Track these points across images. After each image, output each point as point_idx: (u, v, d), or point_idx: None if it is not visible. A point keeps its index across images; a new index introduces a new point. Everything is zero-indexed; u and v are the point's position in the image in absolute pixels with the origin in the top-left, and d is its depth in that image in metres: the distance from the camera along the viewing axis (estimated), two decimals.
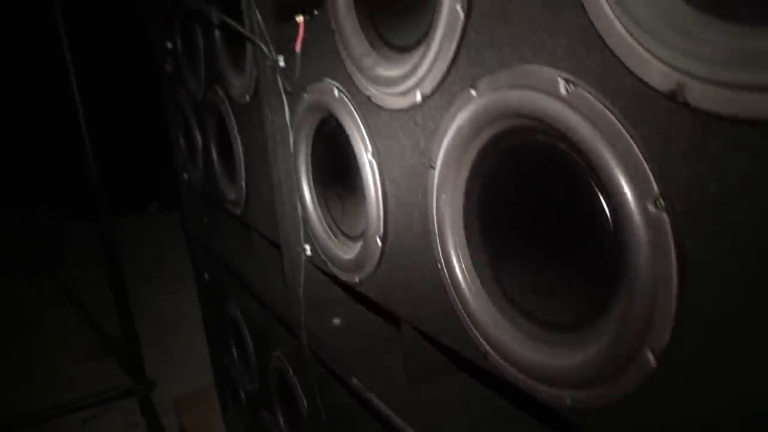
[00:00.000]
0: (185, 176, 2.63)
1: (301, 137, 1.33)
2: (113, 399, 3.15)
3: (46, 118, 6.48)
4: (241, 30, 1.31)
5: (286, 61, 1.34)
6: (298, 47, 1.23)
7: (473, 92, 0.78)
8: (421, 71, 0.87)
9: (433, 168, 0.89)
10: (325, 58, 1.15)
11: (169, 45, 2.32)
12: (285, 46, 1.32)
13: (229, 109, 1.76)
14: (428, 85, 0.87)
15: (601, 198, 0.65)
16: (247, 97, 1.59)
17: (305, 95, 1.26)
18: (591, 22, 0.59)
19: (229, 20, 1.27)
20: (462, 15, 0.77)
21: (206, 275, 2.70)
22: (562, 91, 0.65)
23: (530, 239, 0.78)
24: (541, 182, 0.75)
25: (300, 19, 1.20)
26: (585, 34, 0.61)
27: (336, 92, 1.13)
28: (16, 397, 3.41)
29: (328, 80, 1.16)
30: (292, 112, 1.36)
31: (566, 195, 0.71)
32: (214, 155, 2.06)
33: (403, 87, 0.92)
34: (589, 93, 0.62)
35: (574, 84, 0.64)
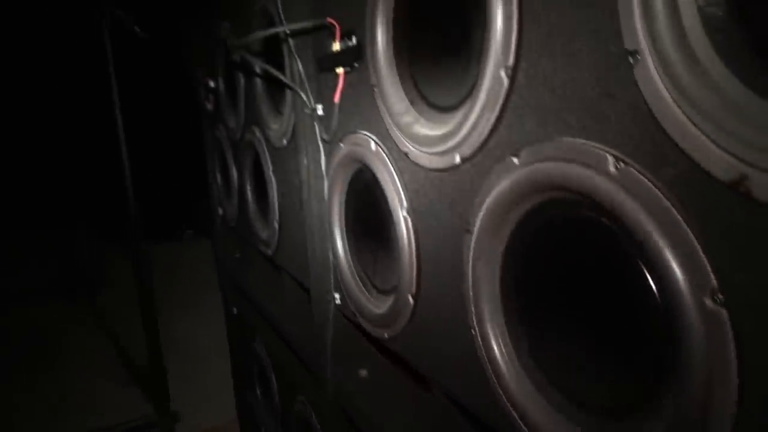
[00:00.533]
0: (220, 211, 2.65)
1: (335, 186, 1.32)
2: (137, 430, 3.14)
3: (90, 142, 6.70)
4: (282, 78, 1.32)
5: (324, 110, 1.34)
6: (336, 98, 1.23)
7: (515, 160, 0.75)
8: (461, 134, 0.85)
9: (470, 233, 0.86)
10: (364, 110, 1.15)
11: (212, 84, 2.37)
12: (324, 96, 1.32)
13: (266, 151, 1.77)
14: (468, 148, 0.84)
15: (652, 283, 0.61)
16: (284, 141, 1.60)
17: (342, 145, 1.26)
18: (645, 101, 0.56)
19: (271, 69, 1.28)
20: (506, 81, 0.75)
21: (235, 310, 2.70)
22: (611, 168, 0.62)
23: (571, 316, 0.74)
24: (585, 258, 0.71)
25: (340, 71, 1.20)
26: (637, 113, 0.58)
27: (373, 145, 1.12)
28: (40, 421, 3.44)
29: (366, 133, 1.15)
30: (328, 160, 1.35)
31: (612, 274, 0.67)
32: (249, 194, 2.07)
33: (442, 147, 0.90)
34: (641, 173, 0.59)
35: (624, 162, 0.60)
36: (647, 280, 0.62)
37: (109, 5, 3.09)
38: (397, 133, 1.02)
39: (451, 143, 0.88)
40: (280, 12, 1.31)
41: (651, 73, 0.55)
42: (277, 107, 1.70)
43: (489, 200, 0.81)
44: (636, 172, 0.59)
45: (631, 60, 0.57)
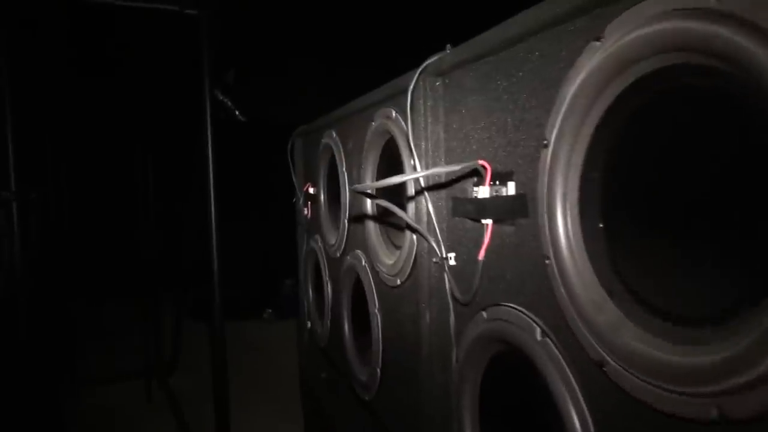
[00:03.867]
0: (309, 324, 2.42)
1: (469, 364, 1.03)
2: None
3: (183, 218, 6.84)
4: (409, 220, 1.07)
5: (458, 260, 1.08)
6: (481, 254, 0.96)
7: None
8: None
9: None
10: (524, 282, 0.87)
11: (312, 191, 2.20)
12: (459, 243, 1.06)
13: (373, 286, 1.52)
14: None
15: None
16: (398, 281, 1.34)
17: (483, 314, 0.97)
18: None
19: (394, 208, 1.04)
20: None
21: None
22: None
23: None
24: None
25: (488, 222, 0.94)
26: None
27: (538, 334, 0.82)
28: None
29: (525, 312, 0.86)
30: (459, 324, 1.07)
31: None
32: (346, 322, 1.81)
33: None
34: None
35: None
36: None
37: (214, 88, 3.05)
38: (586, 332, 0.72)
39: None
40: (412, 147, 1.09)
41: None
42: (390, 239, 1.46)
43: None
44: None
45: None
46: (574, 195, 0.74)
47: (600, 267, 0.72)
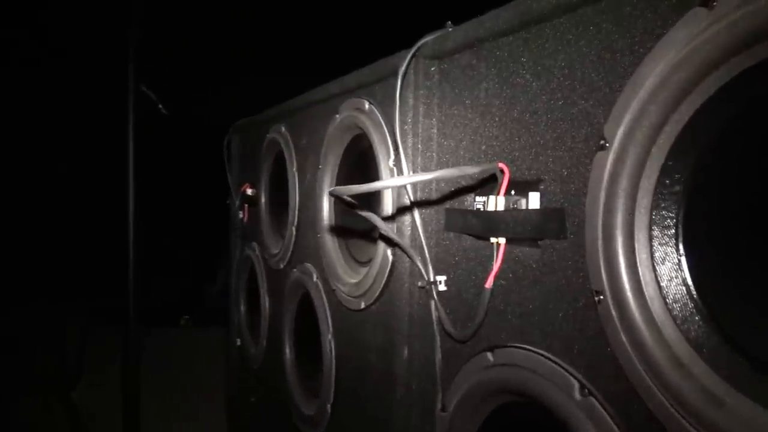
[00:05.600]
0: (238, 342, 2.14)
1: (463, 415, 0.83)
2: None
3: (97, 211, 6.28)
4: (390, 233, 0.86)
5: (449, 287, 0.88)
6: (489, 281, 0.76)
7: None
8: None
9: None
10: (558, 322, 0.68)
11: (250, 192, 1.94)
12: (455, 266, 0.87)
13: (327, 307, 1.29)
14: None
15: None
16: (363, 304, 1.13)
17: (489, 356, 0.78)
18: None
19: (375, 219, 0.83)
20: None
21: None
22: None
23: None
24: None
25: (501, 242, 0.75)
26: None
27: (577, 391, 0.64)
28: None
29: (558, 362, 0.67)
30: (449, 365, 0.87)
31: None
32: (288, 347, 1.57)
33: None
34: None
35: None
36: None
37: (139, 81, 2.74)
38: (661, 398, 0.54)
39: None
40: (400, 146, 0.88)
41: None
42: (352, 253, 1.25)
43: None
44: None
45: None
46: (645, 214, 0.56)
47: (684, 310, 0.54)
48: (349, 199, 0.73)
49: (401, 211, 0.95)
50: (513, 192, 0.75)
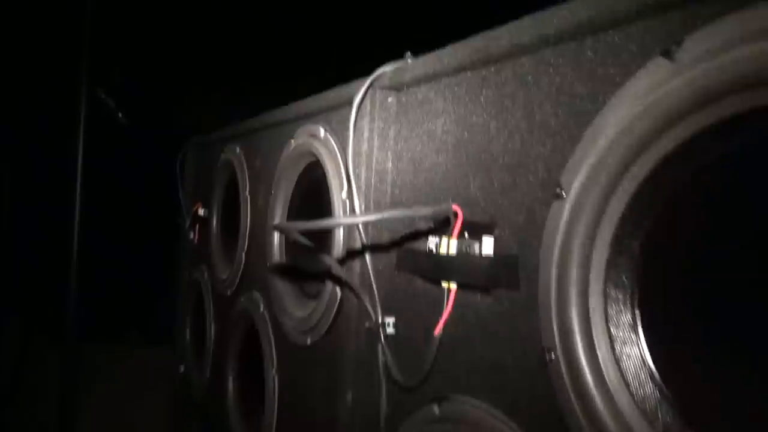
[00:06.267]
0: (181, 368, 2.04)
1: None
2: None
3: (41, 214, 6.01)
4: (337, 269, 0.81)
5: (398, 329, 0.83)
6: (438, 328, 0.72)
7: None
8: None
9: None
10: (506, 377, 0.64)
11: (202, 212, 1.87)
12: (405, 309, 0.82)
13: (272, 340, 1.23)
14: None
15: None
16: (308, 340, 1.07)
17: (435, 409, 0.73)
18: None
19: (329, 259, 0.78)
20: None
21: None
22: None
23: None
24: None
25: (452, 287, 0.71)
26: None
27: None
28: None
29: (503, 419, 0.63)
30: (394, 415, 0.82)
31: None
32: (231, 379, 1.49)
33: None
34: None
35: None
36: None
37: (93, 84, 2.62)
38: None
39: None
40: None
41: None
42: (302, 285, 1.19)
43: None
44: None
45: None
46: (600, 270, 0.53)
47: (638, 378, 0.50)
48: (296, 236, 0.68)
49: (351, 246, 0.90)
50: (467, 234, 0.71)
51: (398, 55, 0.86)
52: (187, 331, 2.00)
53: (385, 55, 0.89)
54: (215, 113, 2.38)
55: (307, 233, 0.76)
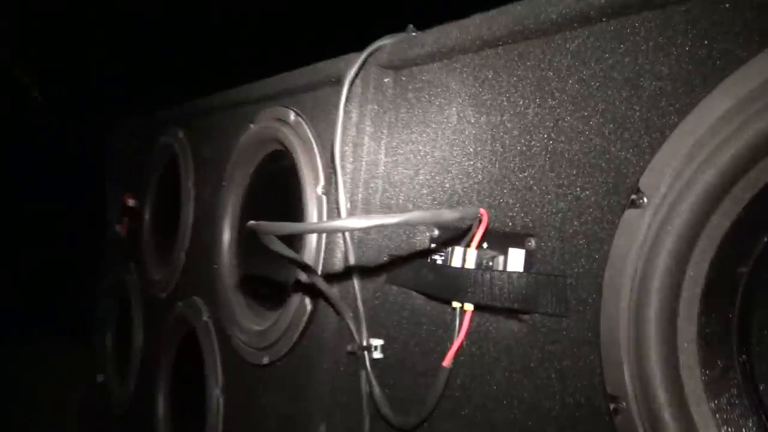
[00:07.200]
0: (100, 378, 1.81)
1: None
2: None
3: None
4: (323, 288, 0.67)
5: (386, 353, 0.69)
6: (448, 358, 0.59)
7: None
8: None
9: None
10: (548, 428, 0.51)
11: (131, 203, 1.65)
12: (397, 330, 0.68)
13: (217, 356, 1.06)
14: None
15: None
16: (266, 359, 0.91)
17: None
18: None
19: (305, 267, 0.63)
20: None
21: None
22: None
23: None
24: None
25: (468, 308, 0.58)
26: None
27: None
28: None
29: None
30: None
31: None
32: (162, 395, 1.30)
33: None
34: None
35: None
36: None
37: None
38: None
39: None
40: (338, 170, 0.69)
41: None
42: (258, 294, 1.02)
43: None
44: None
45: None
46: (693, 300, 0.42)
47: None
48: (274, 241, 0.53)
49: (332, 252, 0.75)
50: (485, 245, 0.59)
51: (370, 37, 0.72)
52: (109, 336, 1.77)
53: (354, 38, 0.75)
54: (149, 93, 2.14)
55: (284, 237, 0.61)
